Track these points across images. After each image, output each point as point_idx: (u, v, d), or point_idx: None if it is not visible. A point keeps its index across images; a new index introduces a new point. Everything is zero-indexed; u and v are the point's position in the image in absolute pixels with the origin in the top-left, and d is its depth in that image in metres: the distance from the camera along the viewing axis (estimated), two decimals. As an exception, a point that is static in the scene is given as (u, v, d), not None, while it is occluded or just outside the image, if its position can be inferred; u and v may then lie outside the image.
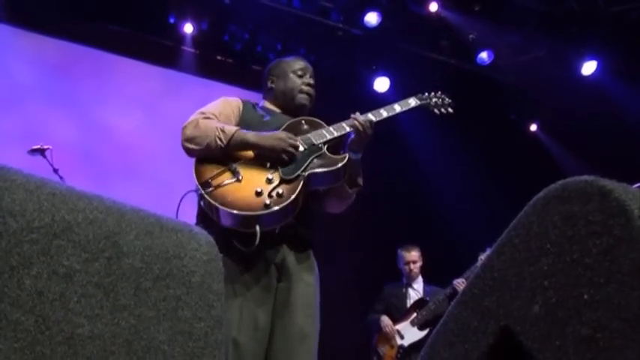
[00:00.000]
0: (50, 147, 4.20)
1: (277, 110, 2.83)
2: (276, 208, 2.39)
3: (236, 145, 2.51)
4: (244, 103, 2.78)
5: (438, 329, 1.33)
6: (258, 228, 2.35)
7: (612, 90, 6.59)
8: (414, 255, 5.62)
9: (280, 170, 2.51)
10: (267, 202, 2.39)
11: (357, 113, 2.70)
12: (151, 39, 6.39)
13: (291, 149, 2.53)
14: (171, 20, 6.27)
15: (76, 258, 1.11)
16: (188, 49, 6.48)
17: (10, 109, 5.70)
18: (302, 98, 2.80)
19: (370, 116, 2.72)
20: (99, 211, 1.17)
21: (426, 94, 3.08)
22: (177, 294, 1.21)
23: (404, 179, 7.08)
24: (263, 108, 2.84)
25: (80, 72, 6.08)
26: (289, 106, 2.81)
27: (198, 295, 1.23)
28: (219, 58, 6.66)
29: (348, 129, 2.66)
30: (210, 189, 2.41)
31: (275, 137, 2.55)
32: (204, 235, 1.31)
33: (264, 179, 2.48)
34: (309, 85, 2.82)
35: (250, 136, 2.54)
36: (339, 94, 6.30)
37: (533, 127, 7.70)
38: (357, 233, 6.82)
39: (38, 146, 4.18)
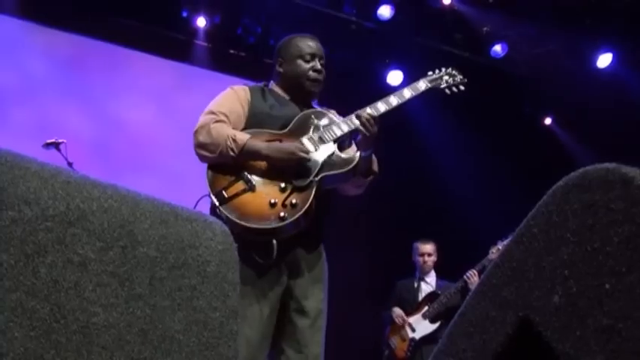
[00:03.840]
0: (64, 141, 4.22)
1: (286, 97, 2.76)
2: (292, 219, 2.40)
3: (247, 154, 2.50)
4: (252, 92, 2.72)
5: (455, 320, 1.31)
6: (274, 242, 2.38)
7: (628, 83, 6.52)
8: (428, 247, 5.60)
9: (293, 178, 2.49)
10: (282, 214, 2.40)
11: (368, 110, 2.63)
12: (163, 33, 6.38)
13: (302, 160, 2.52)
14: (184, 14, 6.27)
15: (90, 247, 1.10)
16: (201, 42, 6.47)
17: (24, 103, 5.73)
18: (309, 85, 2.73)
19: (371, 110, 2.62)
20: (113, 199, 1.17)
21: (437, 71, 2.92)
22: (193, 283, 1.20)
23: (417, 173, 7.05)
24: (272, 93, 2.77)
25: (93, 66, 6.10)
26: (297, 92, 2.75)
27: (214, 285, 1.23)
28: (232, 51, 6.64)
29: (357, 123, 2.60)
30: (225, 201, 2.42)
31: (286, 152, 2.52)
32: (219, 225, 1.31)
33: (278, 188, 2.47)
34: (316, 70, 2.72)
35: (262, 147, 2.52)
36: (352, 88, 6.28)
37: (548, 121, 7.65)
38: (370, 229, 6.80)
39: (52, 140, 4.20)
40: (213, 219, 1.31)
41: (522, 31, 6.87)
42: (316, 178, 2.49)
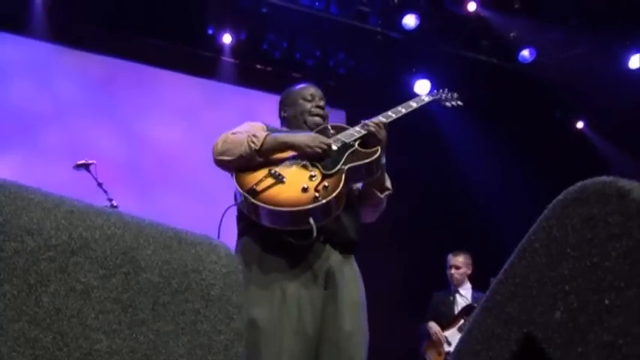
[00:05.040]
0: (94, 162, 4.29)
1: None
2: (326, 200, 2.40)
3: (270, 147, 2.54)
4: (267, 125, 2.81)
5: (462, 337, 1.31)
6: (312, 221, 2.36)
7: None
8: (458, 260, 5.55)
9: (320, 167, 2.53)
10: (316, 195, 2.41)
11: (379, 117, 2.75)
12: (190, 51, 6.48)
13: (324, 145, 2.56)
14: (210, 31, 6.35)
15: (93, 274, 1.12)
16: (227, 59, 6.54)
17: (56, 125, 5.84)
18: (313, 120, 2.85)
19: (381, 118, 2.75)
20: (116, 226, 1.19)
21: (435, 91, 3.29)
22: (196, 307, 1.21)
23: (451, 183, 7.00)
24: (284, 130, 2.89)
25: (122, 86, 6.20)
26: (303, 129, 2.84)
27: (218, 308, 1.23)
28: (258, 66, 6.71)
29: (367, 128, 2.68)
30: (258, 194, 2.42)
31: (307, 135, 2.60)
32: (223, 248, 1.32)
33: (307, 176, 2.49)
34: (318, 107, 2.88)
35: (282, 136, 2.58)
36: (379, 99, 6.26)
37: (580, 125, 7.54)
38: (405, 240, 6.76)
39: (83, 161, 4.27)
40: (218, 242, 1.32)
41: (550, 35, 6.80)
42: (344, 167, 2.53)
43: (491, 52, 6.93)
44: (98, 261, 1.14)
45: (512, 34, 6.77)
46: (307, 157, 2.55)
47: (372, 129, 2.64)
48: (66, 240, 1.11)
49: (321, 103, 2.90)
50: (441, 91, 3.27)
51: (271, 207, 2.39)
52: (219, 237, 2.47)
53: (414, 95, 6.52)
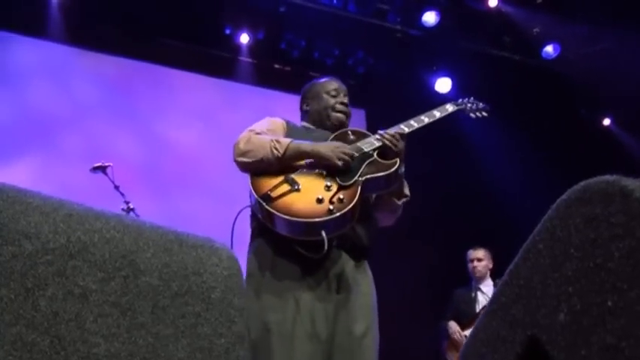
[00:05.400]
0: (111, 164, 4.30)
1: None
2: (340, 213, 2.38)
3: (292, 155, 2.52)
4: (287, 122, 2.81)
5: (468, 340, 1.29)
6: (324, 234, 2.34)
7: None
8: (478, 253, 5.50)
9: (337, 177, 2.50)
10: (331, 207, 2.39)
11: (401, 125, 2.72)
12: (207, 51, 6.46)
13: (346, 157, 2.53)
14: (227, 31, 6.32)
15: (91, 278, 1.12)
16: (245, 59, 6.51)
17: (73, 127, 5.87)
18: (337, 116, 2.82)
19: (402, 126, 2.71)
20: (116, 230, 1.19)
21: (460, 100, 3.13)
22: (197, 310, 1.21)
23: (472, 181, 6.92)
24: (303, 126, 2.88)
25: (139, 87, 6.20)
26: (326, 125, 2.82)
27: (219, 311, 1.23)
28: (276, 66, 6.68)
29: (384, 139, 2.64)
30: (272, 201, 2.41)
31: (329, 146, 2.56)
32: (225, 250, 1.31)
33: (323, 187, 2.47)
34: (342, 103, 2.83)
35: (305, 145, 2.55)
36: (399, 98, 6.24)
37: (607, 122, 7.41)
38: (427, 238, 6.71)
39: (99, 164, 4.28)
40: (219, 245, 1.32)
41: (574, 30, 6.69)
42: (361, 178, 2.50)
43: (513, 48, 6.84)
44: (97, 264, 1.14)
45: (535, 30, 6.68)
46: (327, 168, 2.53)
47: (387, 142, 2.60)
48: (64, 243, 1.12)
49: (345, 100, 2.86)
50: (466, 100, 3.16)
51: (284, 215, 2.37)
52: (232, 237, 2.47)
53: (434, 94, 6.56)
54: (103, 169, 4.25)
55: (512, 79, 6.86)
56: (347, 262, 2.56)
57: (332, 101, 2.82)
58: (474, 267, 5.49)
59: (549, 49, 6.71)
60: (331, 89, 2.85)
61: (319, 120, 2.84)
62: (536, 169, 6.74)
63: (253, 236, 2.62)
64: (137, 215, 4.12)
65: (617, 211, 0.97)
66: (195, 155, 6.13)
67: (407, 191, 2.78)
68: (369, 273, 2.68)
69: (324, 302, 2.48)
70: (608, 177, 1.01)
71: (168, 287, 1.19)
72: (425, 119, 2.81)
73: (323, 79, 2.95)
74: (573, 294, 1.03)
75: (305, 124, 2.90)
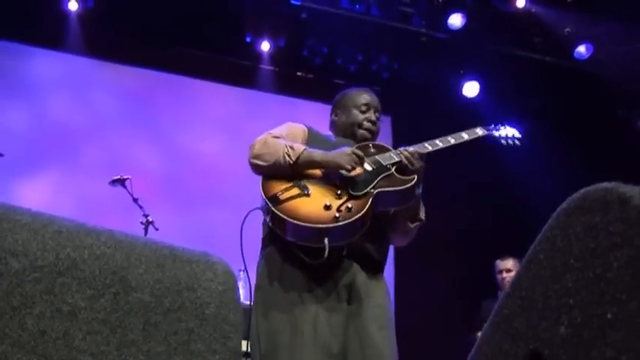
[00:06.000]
0: (130, 177, 4.31)
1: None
2: (346, 222, 2.36)
3: (304, 162, 2.50)
4: (309, 128, 2.78)
5: (473, 353, 1.25)
6: (326, 241, 2.32)
7: None
8: (508, 263, 5.38)
9: (349, 187, 2.48)
10: (337, 215, 2.36)
11: (425, 144, 2.70)
12: (228, 60, 6.41)
13: (356, 163, 2.49)
14: (248, 39, 6.25)
15: (80, 295, 1.11)
16: (266, 67, 6.44)
17: (94, 139, 5.89)
18: (363, 134, 2.78)
19: (426, 145, 2.69)
20: (107, 246, 1.17)
21: (493, 125, 3.13)
22: (190, 327, 1.18)
23: (503, 189, 6.79)
24: (327, 135, 2.85)
25: (160, 98, 6.19)
26: (350, 139, 2.79)
27: (213, 327, 1.20)
28: (299, 74, 6.61)
29: (401, 156, 2.61)
30: (279, 203, 2.40)
31: (341, 153, 2.53)
32: (221, 265, 1.29)
33: (333, 194, 2.46)
34: (370, 121, 2.79)
35: (318, 154, 2.53)
36: (426, 103, 6.17)
37: (645, 122, 7.23)
38: (457, 249, 6.61)
39: (118, 177, 4.30)
40: (216, 259, 1.29)
41: (607, 30, 6.55)
42: (373, 191, 2.47)
43: (544, 49, 6.69)
44: (86, 281, 1.12)
45: (566, 30, 6.54)
46: (339, 176, 2.50)
47: (404, 160, 2.57)
48: (53, 261, 1.11)
49: (375, 116, 2.81)
50: (500, 126, 3.16)
51: (288, 218, 2.36)
52: (241, 241, 2.45)
53: (462, 98, 6.44)
54: (121, 181, 4.26)
55: (543, 82, 6.73)
56: (359, 273, 2.52)
57: (360, 117, 2.78)
58: (503, 278, 5.37)
59: (582, 49, 6.56)
60: (362, 104, 2.80)
61: (344, 134, 2.81)
62: (571, 174, 6.57)
63: (264, 245, 2.60)
64: (156, 228, 4.12)
65: (616, 219, 0.94)
66: (217, 166, 6.09)
67: (422, 215, 2.73)
68: (385, 286, 2.64)
69: (333, 313, 2.44)
70: (606, 184, 0.97)
71: (160, 303, 1.17)
72: (451, 140, 2.79)
73: (355, 90, 2.91)
74: (574, 306, 0.99)
75: (331, 133, 2.88)
